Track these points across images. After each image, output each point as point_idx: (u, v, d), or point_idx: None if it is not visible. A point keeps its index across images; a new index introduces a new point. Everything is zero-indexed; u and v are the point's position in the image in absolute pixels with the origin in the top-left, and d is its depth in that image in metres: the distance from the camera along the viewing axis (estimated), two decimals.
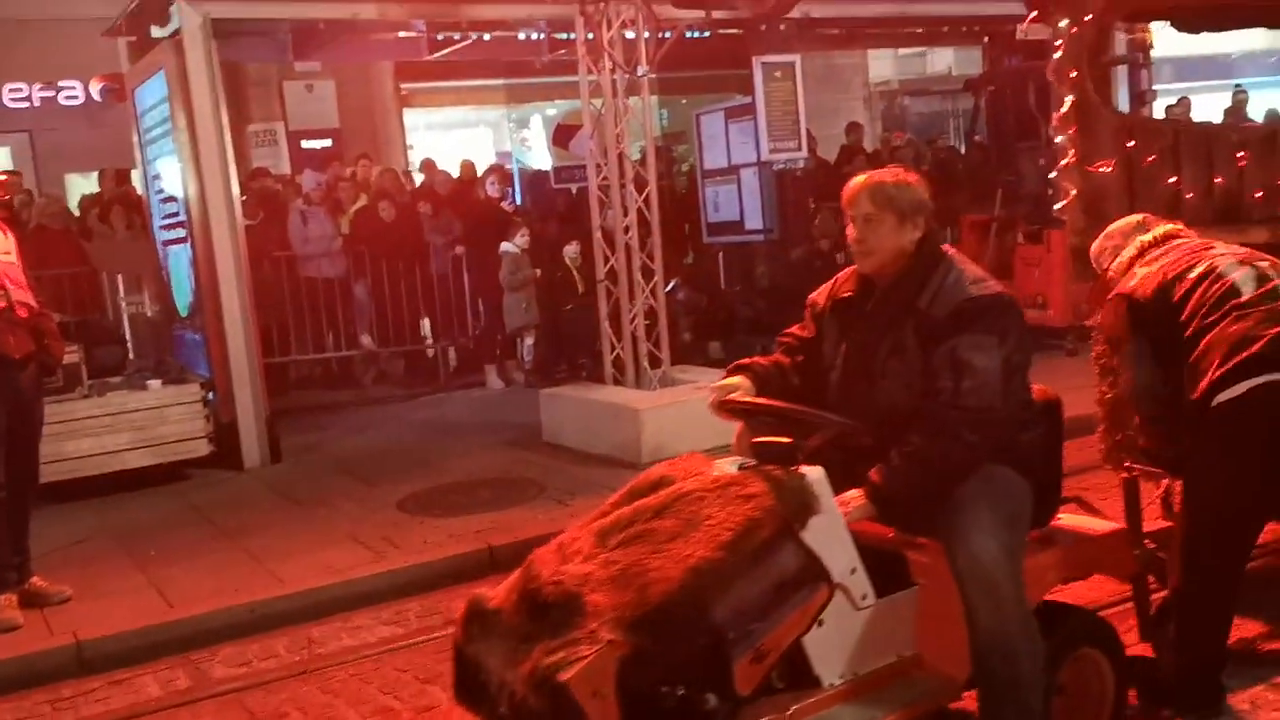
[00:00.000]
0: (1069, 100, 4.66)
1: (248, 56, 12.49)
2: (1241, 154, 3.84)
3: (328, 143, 15.03)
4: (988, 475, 3.18)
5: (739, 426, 3.42)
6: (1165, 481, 4.41)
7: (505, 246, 10.77)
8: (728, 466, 3.15)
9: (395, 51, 12.94)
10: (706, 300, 12.19)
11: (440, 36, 11.36)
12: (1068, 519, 3.61)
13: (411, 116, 16.43)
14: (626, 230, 8.52)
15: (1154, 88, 13.20)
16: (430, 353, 11.92)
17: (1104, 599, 4.43)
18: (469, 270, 11.46)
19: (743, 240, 11.88)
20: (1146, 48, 11.05)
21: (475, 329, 11.64)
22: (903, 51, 19.58)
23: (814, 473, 3.03)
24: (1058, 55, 4.68)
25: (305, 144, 14.92)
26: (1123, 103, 13.48)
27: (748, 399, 3.35)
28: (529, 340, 11.12)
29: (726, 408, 3.36)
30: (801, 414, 3.21)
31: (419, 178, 13.13)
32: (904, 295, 3.30)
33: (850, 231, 3.37)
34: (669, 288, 10.25)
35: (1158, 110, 13.15)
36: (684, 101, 15.88)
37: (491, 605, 2.96)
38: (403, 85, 15.70)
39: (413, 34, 11.22)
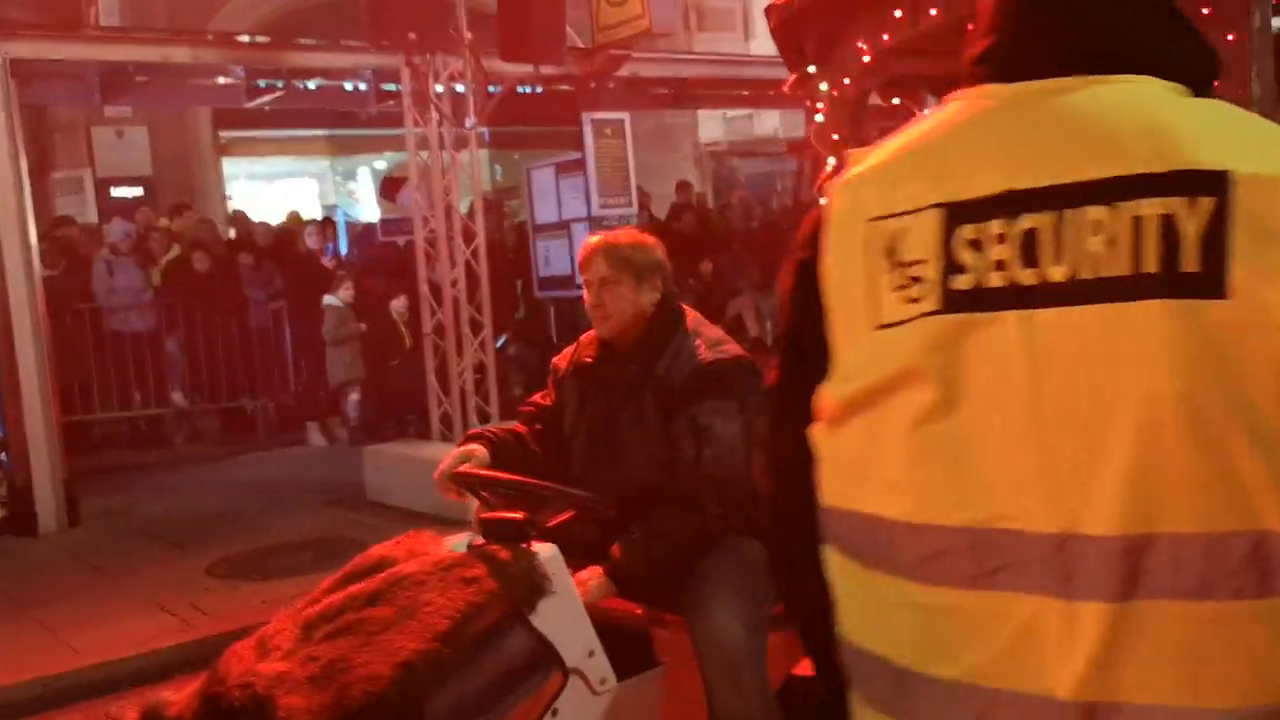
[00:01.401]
0: (831, 163, 4.74)
1: (53, 100, 11.88)
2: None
3: (139, 191, 14.36)
4: (732, 548, 3.07)
5: (475, 504, 3.14)
6: None
7: (328, 299, 10.49)
8: (455, 546, 2.87)
9: (212, 98, 12.51)
10: (537, 355, 12.07)
11: (261, 84, 11.03)
12: None
13: (231, 165, 15.90)
14: (454, 283, 8.38)
15: None
16: (248, 409, 11.43)
17: None
18: (290, 324, 11.06)
19: (574, 295, 11.82)
20: None
21: (297, 384, 11.22)
22: (731, 113, 20.06)
23: (546, 550, 2.78)
24: (819, 119, 4.76)
25: (115, 192, 14.22)
26: None
27: (476, 471, 3.10)
28: (353, 396, 10.80)
29: (455, 481, 3.10)
30: (535, 487, 2.99)
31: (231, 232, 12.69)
32: (643, 361, 3.18)
33: (586, 296, 3.24)
34: (499, 343, 10.11)
35: None
36: (516, 156, 15.86)
37: (171, 713, 2.58)
38: (221, 133, 15.18)
39: (231, 80, 10.86)
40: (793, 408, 1.51)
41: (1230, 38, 3.44)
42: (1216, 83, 3.55)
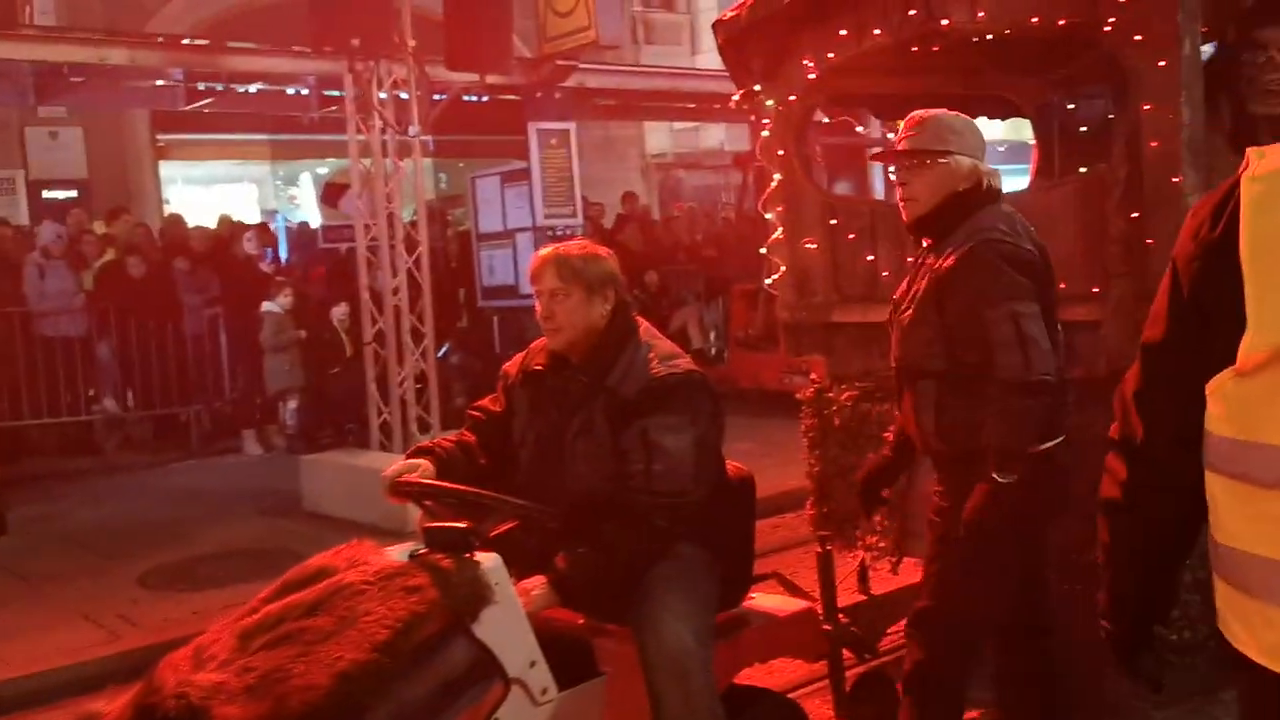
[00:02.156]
0: (777, 178, 4.80)
1: None
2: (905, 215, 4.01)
3: (73, 193, 14.09)
4: (678, 556, 3.10)
5: (419, 514, 3.14)
6: (861, 554, 4.55)
7: (267, 306, 10.37)
8: (397, 555, 2.87)
9: (150, 100, 12.34)
10: (481, 364, 12.02)
11: (201, 86, 10.89)
12: (759, 599, 3.58)
13: (168, 169, 15.65)
14: (396, 291, 8.31)
15: None
16: (182, 416, 11.24)
17: (802, 677, 4.50)
18: (227, 330, 10.91)
19: (518, 305, 11.80)
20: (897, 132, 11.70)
21: (233, 391, 11.07)
22: (677, 125, 20.15)
23: (489, 560, 2.78)
24: (765, 135, 4.83)
25: (47, 194, 13.93)
26: (878, 185, 14.30)
27: (420, 480, 3.09)
28: (291, 404, 10.66)
29: (398, 490, 3.10)
30: (479, 497, 3.00)
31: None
32: (594, 372, 3.18)
33: (537, 307, 3.23)
34: (441, 351, 10.05)
35: None
36: (461, 165, 15.78)
37: None
38: (159, 135, 14.94)
39: (169, 82, 10.71)
40: (1185, 359, 1.85)
41: (1161, 64, 3.53)
42: (1147, 107, 3.63)
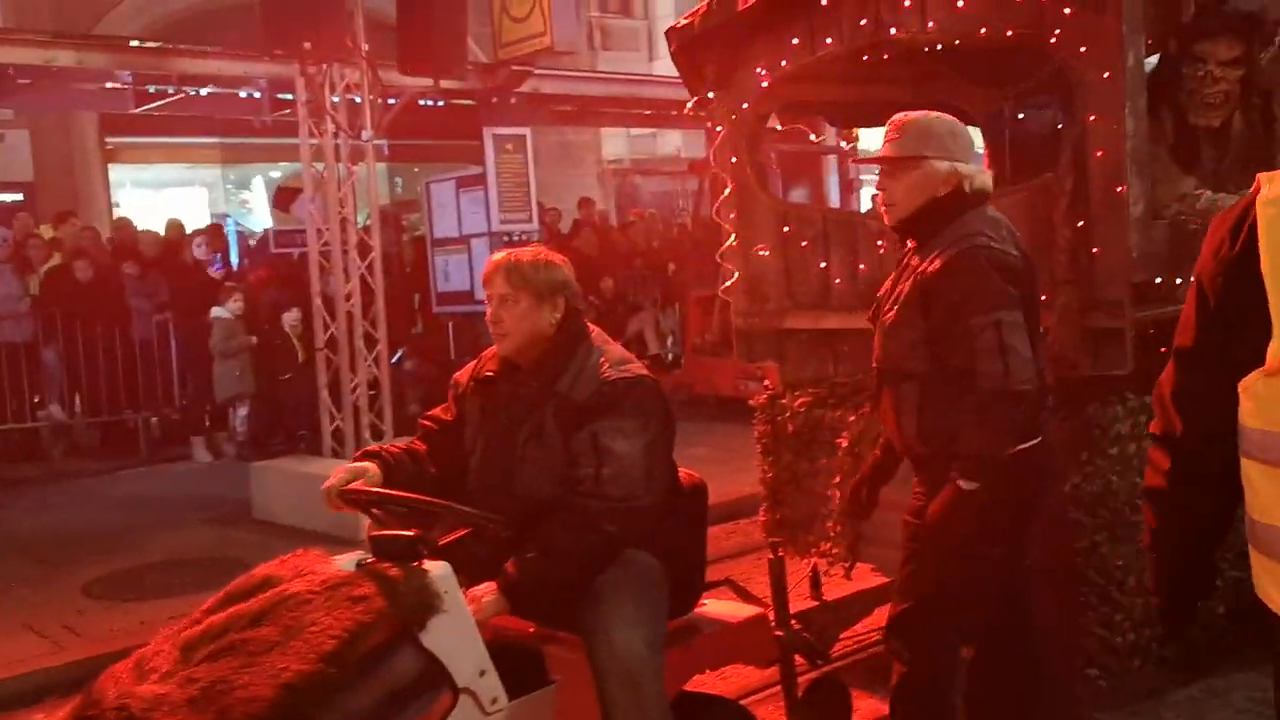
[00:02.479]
0: (730, 186, 4.83)
1: None
2: (881, 242, 4.03)
3: (19, 196, 13.87)
4: (629, 563, 3.08)
5: (367, 522, 3.11)
6: (812, 560, 4.57)
7: (216, 312, 10.26)
8: (344, 564, 2.83)
9: (99, 102, 12.17)
10: (435, 371, 11.94)
11: (151, 89, 10.75)
12: (711, 605, 3.58)
13: (117, 172, 15.45)
14: (349, 297, 8.24)
15: (861, 176, 14.13)
16: (130, 423, 11.08)
17: (754, 683, 4.51)
18: (176, 336, 10.78)
19: (474, 310, 11.74)
20: (853, 140, 11.79)
21: (182, 398, 10.93)
22: (635, 131, 20.18)
23: (438, 568, 2.75)
24: (719, 143, 4.86)
25: None
26: (833, 192, 14.39)
27: (366, 488, 3.06)
28: (242, 410, 10.55)
29: (344, 498, 3.06)
30: (428, 504, 2.98)
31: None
32: (545, 378, 3.18)
33: (491, 313, 3.22)
34: (395, 358, 9.98)
35: (865, 199, 14.04)
36: (416, 169, 15.70)
37: None
38: (108, 139, 14.75)
39: (119, 85, 10.56)
40: (1213, 363, 2.09)
41: (1105, 75, 3.58)
42: (1093, 117, 3.69)
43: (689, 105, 5.07)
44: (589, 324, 3.33)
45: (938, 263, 3.14)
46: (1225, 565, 3.99)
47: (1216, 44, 4.25)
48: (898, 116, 3.30)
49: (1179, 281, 3.99)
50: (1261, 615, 2.15)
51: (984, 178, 3.27)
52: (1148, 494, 2.28)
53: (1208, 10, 3.92)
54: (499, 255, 3.27)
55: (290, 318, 10.37)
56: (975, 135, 5.83)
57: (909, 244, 3.34)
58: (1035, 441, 3.16)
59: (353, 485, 3.07)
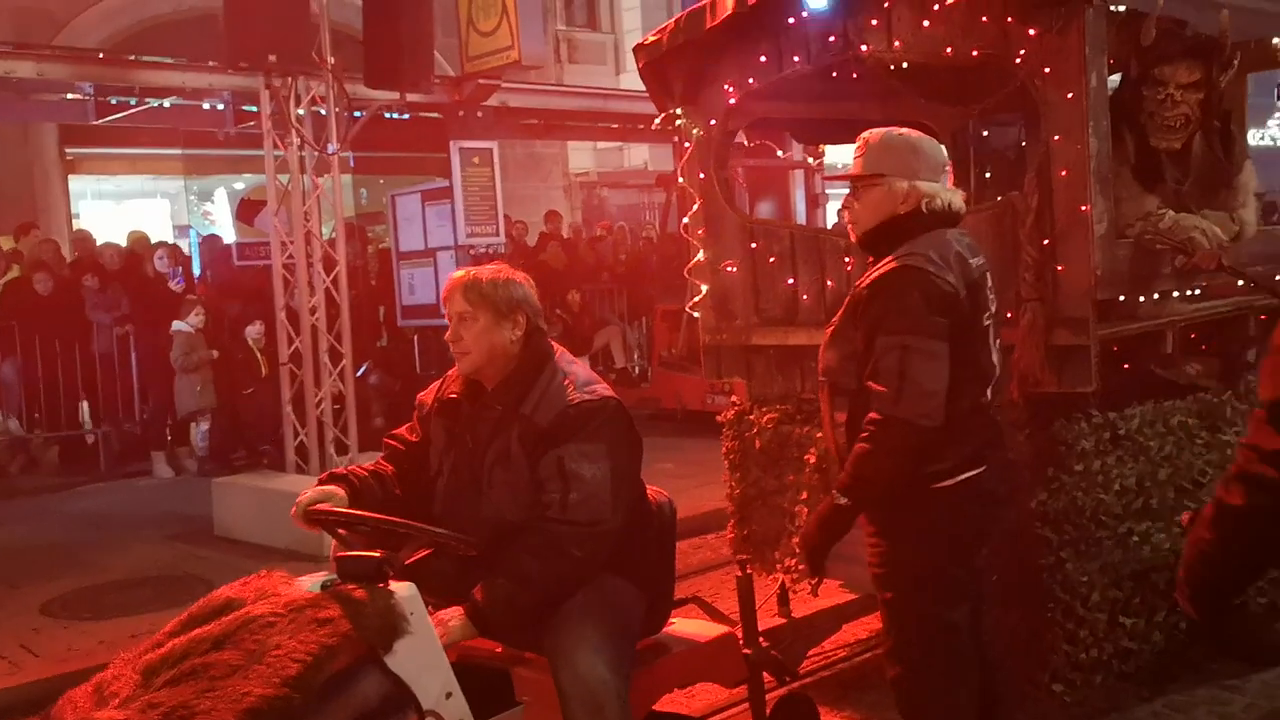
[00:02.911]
0: (698, 202, 4.85)
1: None
2: (848, 259, 4.06)
3: None
4: (597, 586, 3.08)
5: (333, 543, 3.09)
6: (781, 577, 4.58)
7: (177, 325, 10.15)
8: (308, 586, 2.80)
9: (59, 113, 12.03)
10: (400, 385, 11.87)
11: (113, 100, 10.63)
12: (679, 624, 3.58)
13: (78, 183, 15.26)
14: (313, 311, 8.18)
15: (827, 192, 14.20)
16: (89, 438, 10.93)
17: (722, 701, 4.49)
18: (137, 349, 10.65)
19: (439, 324, 11.67)
20: (819, 154, 11.85)
21: (142, 413, 10.80)
22: (601, 145, 20.18)
23: (404, 590, 2.73)
24: (687, 158, 4.87)
25: None
26: (799, 208, 14.45)
27: (332, 508, 3.04)
28: (203, 425, 10.43)
29: (311, 518, 3.04)
30: (394, 525, 2.95)
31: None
32: (509, 399, 3.16)
33: (451, 332, 3.21)
34: (360, 371, 9.90)
35: (831, 214, 14.10)
36: (382, 181, 15.62)
37: None
38: (68, 150, 14.57)
39: (80, 96, 10.44)
40: None
41: (1069, 96, 3.62)
42: (1057, 137, 3.73)
43: (656, 121, 5.07)
44: (554, 343, 3.31)
45: (871, 278, 3.15)
46: None
47: (1176, 68, 4.30)
48: (866, 133, 3.30)
49: (1142, 299, 4.03)
50: None
51: (947, 197, 3.23)
52: (1227, 509, 2.29)
53: (1168, 34, 3.96)
54: (459, 273, 3.26)
55: (253, 331, 10.27)
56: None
57: (869, 260, 3.33)
58: (978, 471, 3.15)
59: (319, 506, 3.04)
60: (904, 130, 3.31)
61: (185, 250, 12.91)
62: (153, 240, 12.20)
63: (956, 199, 3.26)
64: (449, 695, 2.77)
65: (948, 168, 3.29)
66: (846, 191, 3.46)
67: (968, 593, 3.26)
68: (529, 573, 2.99)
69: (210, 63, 9.58)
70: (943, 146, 3.34)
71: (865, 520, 3.29)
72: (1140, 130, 4.42)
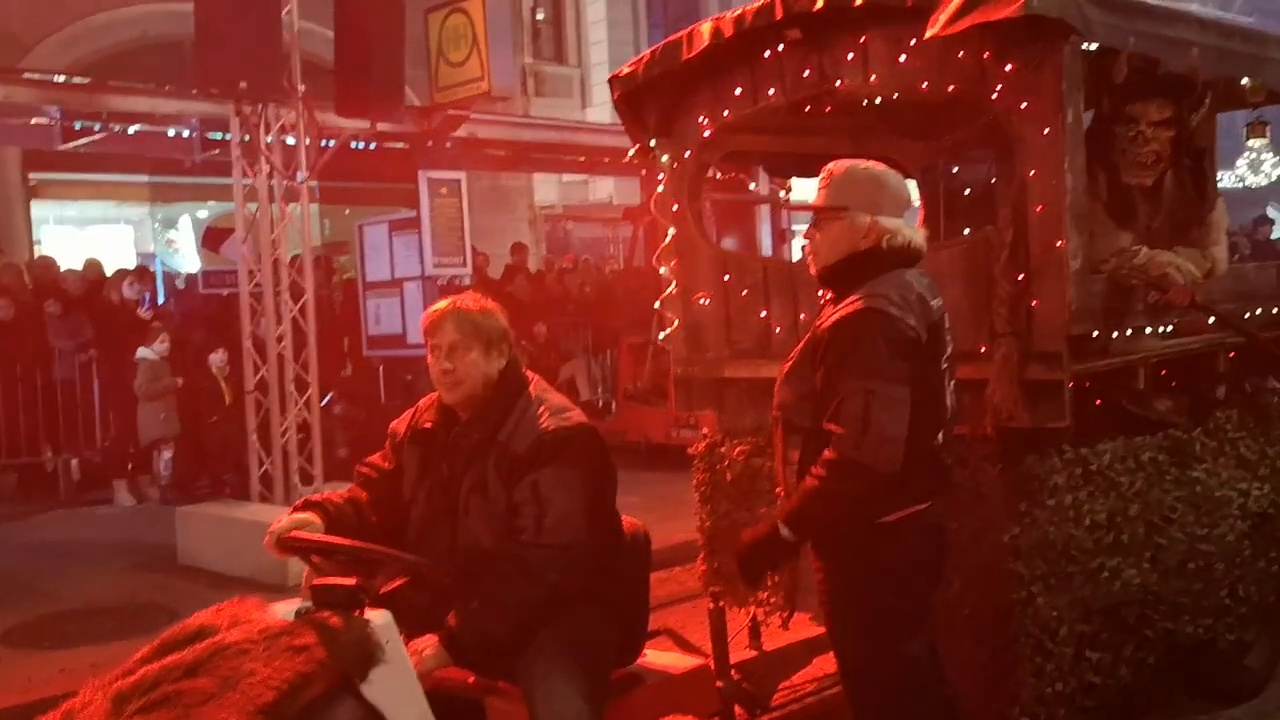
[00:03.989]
0: (671, 233, 4.86)
1: None
2: (821, 291, 4.10)
3: None
4: (571, 616, 3.08)
5: (306, 570, 3.07)
6: (752, 610, 4.57)
7: (142, 352, 10.05)
8: (283, 613, 2.79)
9: (23, 138, 11.93)
10: (364, 415, 11.78)
11: (78, 125, 10.55)
12: (653, 656, 3.58)
13: (41, 209, 15.11)
14: (280, 339, 8.12)
15: (793, 227, 14.30)
16: (50, 466, 10.76)
17: None
18: (99, 376, 10.52)
19: (406, 355, 11.63)
20: (787, 189, 11.94)
21: (104, 440, 10.65)
22: (567, 178, 20.24)
23: (380, 618, 2.74)
24: (660, 190, 4.89)
25: None
26: (766, 241, 14.54)
27: (307, 535, 3.03)
28: (166, 453, 10.31)
29: (285, 545, 3.03)
30: (370, 552, 2.95)
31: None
32: (486, 428, 3.17)
33: (432, 362, 3.20)
34: (324, 401, 9.83)
35: (796, 249, 14.20)
36: (347, 212, 15.57)
37: None
38: (31, 174, 14.43)
39: (44, 120, 10.35)
40: None
41: (1045, 131, 3.66)
42: (1032, 173, 3.78)
43: (630, 153, 5.09)
44: (528, 372, 3.32)
45: (832, 320, 3.13)
46: (1156, 617, 4.08)
47: (1148, 105, 4.37)
48: (831, 164, 3.30)
49: (1115, 335, 4.07)
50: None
51: (908, 234, 3.20)
52: None
53: (1139, 72, 4.03)
54: (443, 304, 3.26)
55: (217, 359, 10.19)
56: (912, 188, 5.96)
57: (826, 294, 3.30)
58: (922, 506, 3.14)
59: (294, 533, 3.02)
60: (870, 164, 3.30)
61: (149, 276, 12.80)
62: (114, 267, 12.08)
63: (918, 237, 3.24)
64: None
65: (912, 205, 3.30)
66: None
67: (922, 627, 3.24)
68: (504, 598, 2.98)
69: (179, 89, 9.52)
70: (909, 183, 3.35)
71: (813, 559, 3.28)
72: (1112, 167, 4.48)
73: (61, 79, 10.77)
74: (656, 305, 5.08)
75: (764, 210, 14.48)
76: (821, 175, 3.29)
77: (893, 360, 3.01)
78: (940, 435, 3.21)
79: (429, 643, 2.94)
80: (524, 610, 3.00)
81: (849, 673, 3.28)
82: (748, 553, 3.24)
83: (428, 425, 3.28)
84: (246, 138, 8.12)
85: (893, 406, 2.99)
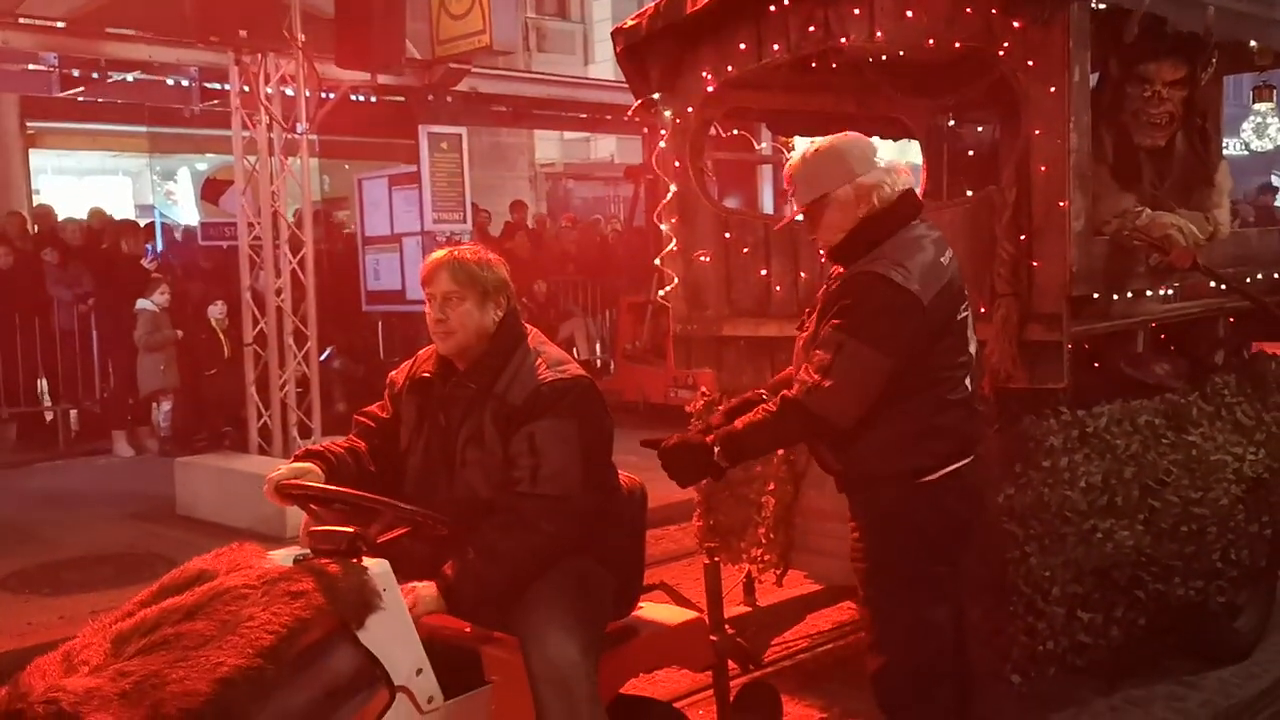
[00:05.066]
0: (672, 190, 4.83)
1: None
2: (822, 250, 4.10)
3: None
4: (567, 567, 3.08)
5: (305, 519, 3.07)
6: (747, 567, 4.60)
7: (142, 303, 10.02)
8: (281, 559, 2.79)
9: (21, 85, 11.82)
10: (363, 370, 11.79)
11: (76, 73, 10.45)
12: (648, 609, 3.58)
13: (39, 158, 15.02)
14: (279, 292, 8.10)
15: None
16: (49, 416, 10.77)
17: (687, 687, 4.52)
18: (99, 327, 10.50)
19: (405, 310, 11.63)
20: (790, 149, 11.88)
21: (103, 391, 10.66)
22: (568, 136, 20.11)
23: (377, 566, 2.75)
24: (662, 146, 4.86)
25: None
26: (768, 201, 14.48)
27: (307, 484, 3.03)
28: (166, 405, 10.31)
29: (284, 492, 3.02)
30: (368, 501, 2.95)
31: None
32: (483, 379, 3.16)
33: (429, 311, 3.18)
34: (323, 356, 9.83)
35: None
36: (347, 166, 15.49)
37: None
38: (29, 123, 14.33)
39: (43, 67, 10.26)
40: None
41: (1051, 89, 3.63)
42: (1037, 131, 3.74)
43: (632, 108, 5.05)
44: (527, 325, 3.31)
45: (837, 284, 3.16)
46: (1147, 579, 4.10)
47: (1162, 65, 4.33)
48: (786, 170, 3.31)
49: (1115, 297, 4.06)
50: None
51: (892, 180, 3.18)
52: None
53: (1150, 31, 3.98)
54: (440, 253, 3.23)
55: (215, 311, 10.16)
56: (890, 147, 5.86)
57: (835, 270, 3.30)
58: (963, 463, 3.15)
59: (294, 481, 3.02)
60: (815, 145, 3.28)
61: (152, 229, 12.76)
62: (116, 218, 12.03)
63: (899, 179, 3.20)
64: (419, 672, 2.78)
65: (875, 148, 3.26)
66: None
67: (949, 592, 3.26)
68: (500, 549, 2.99)
69: (179, 37, 9.42)
70: (863, 137, 3.30)
71: (849, 515, 3.29)
72: (1120, 128, 4.45)
73: (59, 24, 10.64)
74: (657, 263, 5.06)
75: (766, 171, 14.41)
76: (786, 185, 3.30)
77: (877, 322, 3.02)
78: (967, 383, 3.19)
79: (426, 586, 2.95)
80: (519, 561, 3.00)
81: (875, 627, 3.29)
82: (673, 453, 3.28)
83: (425, 375, 3.28)
84: (246, 88, 8.05)
85: (860, 366, 3.02)
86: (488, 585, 2.98)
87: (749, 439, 3.17)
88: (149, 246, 11.29)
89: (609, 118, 14.45)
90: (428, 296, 3.18)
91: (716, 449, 3.19)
